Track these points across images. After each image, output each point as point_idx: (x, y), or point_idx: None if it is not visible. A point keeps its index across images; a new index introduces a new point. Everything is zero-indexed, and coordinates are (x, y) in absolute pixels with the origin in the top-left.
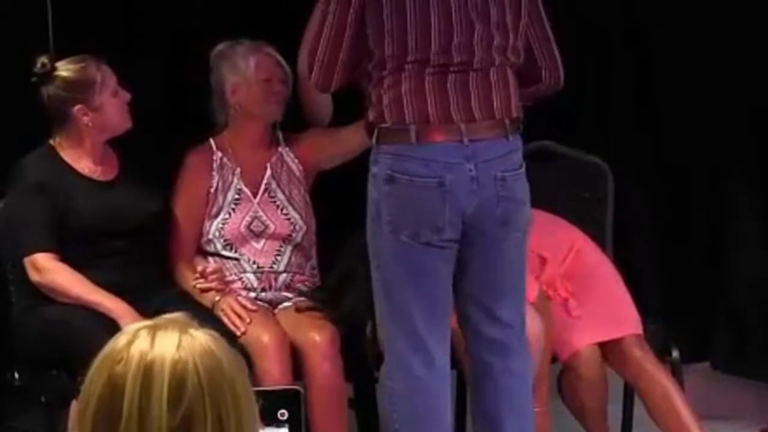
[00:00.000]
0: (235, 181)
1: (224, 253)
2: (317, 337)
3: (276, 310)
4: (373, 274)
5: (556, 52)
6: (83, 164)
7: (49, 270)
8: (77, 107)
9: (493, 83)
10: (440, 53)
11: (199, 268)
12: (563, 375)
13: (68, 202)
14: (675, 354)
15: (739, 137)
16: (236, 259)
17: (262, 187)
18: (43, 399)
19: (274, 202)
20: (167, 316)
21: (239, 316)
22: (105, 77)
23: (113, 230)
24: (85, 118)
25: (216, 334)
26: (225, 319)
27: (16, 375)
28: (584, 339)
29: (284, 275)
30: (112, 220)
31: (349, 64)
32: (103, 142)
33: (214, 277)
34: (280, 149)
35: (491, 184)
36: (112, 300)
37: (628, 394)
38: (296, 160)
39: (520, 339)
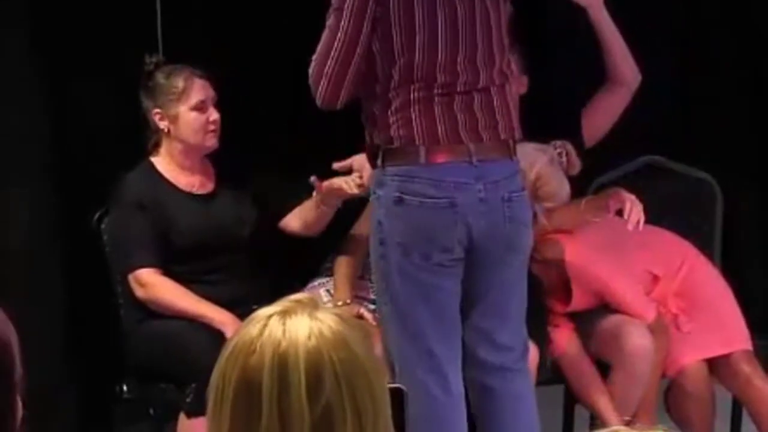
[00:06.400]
0: None
1: None
2: None
3: None
4: (381, 298)
5: None
6: (182, 179)
7: (153, 285)
8: (155, 110)
9: (496, 104)
10: (446, 72)
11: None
12: (670, 391)
13: (168, 219)
14: None
15: None
16: None
17: None
18: (151, 411)
19: None
20: (294, 297)
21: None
22: (190, 89)
23: (215, 244)
24: (162, 123)
25: (342, 314)
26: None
27: (125, 387)
28: (692, 355)
29: None
30: (213, 233)
31: (355, 81)
32: (199, 157)
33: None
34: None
35: (499, 206)
36: (217, 311)
37: (737, 410)
38: None
39: (521, 361)
